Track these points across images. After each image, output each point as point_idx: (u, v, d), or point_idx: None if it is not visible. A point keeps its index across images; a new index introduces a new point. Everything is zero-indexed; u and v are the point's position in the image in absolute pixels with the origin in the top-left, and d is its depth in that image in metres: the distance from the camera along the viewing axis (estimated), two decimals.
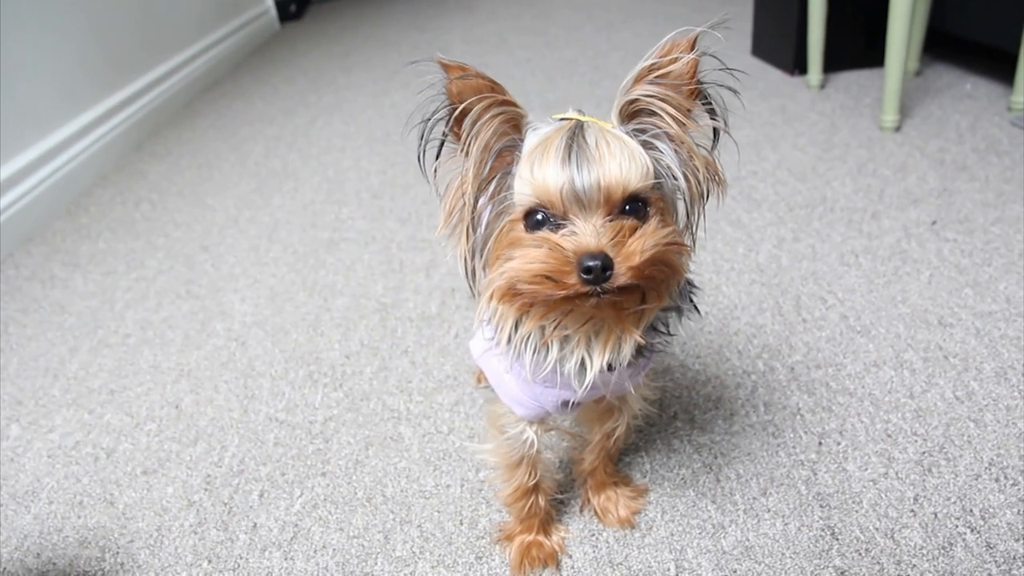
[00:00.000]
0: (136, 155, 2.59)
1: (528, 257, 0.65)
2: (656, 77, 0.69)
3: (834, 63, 2.46)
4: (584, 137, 0.66)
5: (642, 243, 0.64)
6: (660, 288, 0.69)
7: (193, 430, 1.27)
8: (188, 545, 1.05)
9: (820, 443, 1.09)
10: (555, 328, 0.71)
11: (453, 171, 0.73)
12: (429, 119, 0.71)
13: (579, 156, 0.65)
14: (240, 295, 1.67)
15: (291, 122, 2.74)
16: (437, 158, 0.73)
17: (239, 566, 1.01)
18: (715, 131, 0.73)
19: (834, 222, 1.65)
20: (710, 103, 0.71)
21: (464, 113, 0.69)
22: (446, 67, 0.68)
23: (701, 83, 0.70)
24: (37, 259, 1.93)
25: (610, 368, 0.75)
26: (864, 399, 1.16)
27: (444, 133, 0.72)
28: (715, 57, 0.70)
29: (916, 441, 1.07)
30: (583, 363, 0.73)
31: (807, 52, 2.39)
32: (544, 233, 0.66)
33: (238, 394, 1.35)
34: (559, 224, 0.66)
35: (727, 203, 1.77)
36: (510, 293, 0.68)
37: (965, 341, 1.25)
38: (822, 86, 2.41)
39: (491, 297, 0.70)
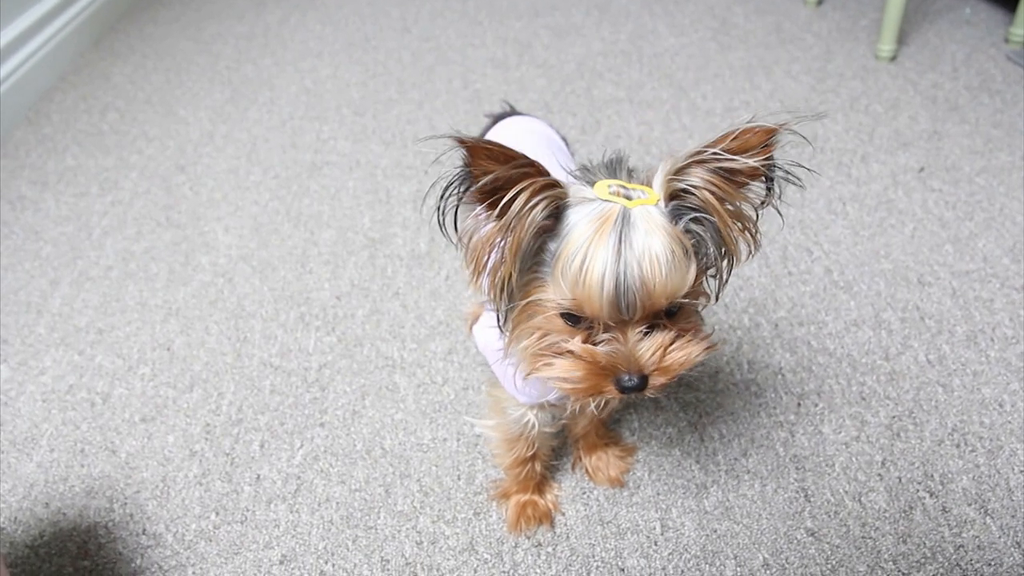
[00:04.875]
0: (95, 53, 2.42)
1: (568, 369, 0.68)
2: (716, 167, 0.66)
3: None
4: (631, 243, 0.63)
5: (679, 357, 0.68)
6: None
7: (187, 375, 1.28)
8: (195, 496, 1.09)
9: (799, 404, 1.15)
10: None
11: (473, 226, 0.70)
12: (448, 195, 0.66)
13: (626, 274, 0.63)
14: (223, 224, 1.63)
15: (261, 19, 2.57)
16: (456, 222, 0.69)
17: (246, 518, 1.06)
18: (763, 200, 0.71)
19: (824, 164, 1.65)
20: (771, 186, 0.69)
21: (494, 187, 0.64)
22: (469, 149, 0.62)
23: (770, 166, 0.67)
24: (3, 176, 1.85)
25: None
26: (842, 360, 1.21)
27: (459, 196, 0.66)
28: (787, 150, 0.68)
29: (888, 405, 1.14)
30: None
31: None
32: (584, 345, 0.68)
33: (230, 336, 1.35)
34: (591, 325, 0.68)
35: None
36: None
37: (941, 302, 1.29)
38: (819, 2, 2.33)
39: (523, 363, 0.74)
